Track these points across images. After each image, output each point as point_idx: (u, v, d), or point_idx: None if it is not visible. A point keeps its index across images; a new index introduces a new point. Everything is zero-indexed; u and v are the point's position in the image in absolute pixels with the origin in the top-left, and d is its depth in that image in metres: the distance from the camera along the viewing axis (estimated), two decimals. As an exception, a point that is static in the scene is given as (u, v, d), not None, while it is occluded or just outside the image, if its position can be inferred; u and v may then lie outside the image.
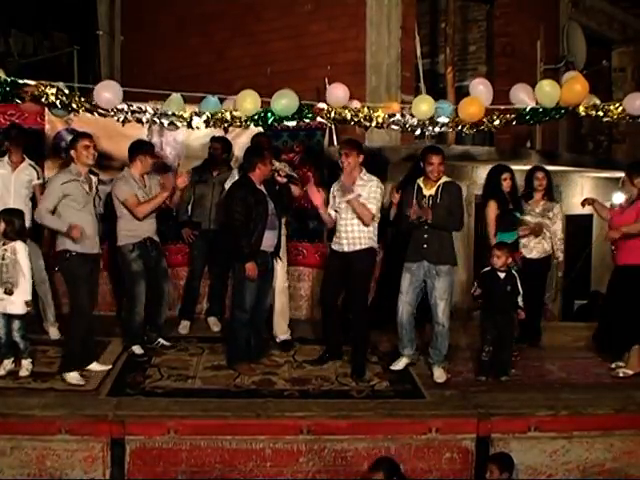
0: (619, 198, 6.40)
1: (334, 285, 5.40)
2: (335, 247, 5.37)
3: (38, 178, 5.70)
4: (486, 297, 5.21)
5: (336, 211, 5.33)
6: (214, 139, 6.22)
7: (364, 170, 5.28)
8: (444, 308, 5.10)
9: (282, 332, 5.87)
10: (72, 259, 4.96)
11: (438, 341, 5.18)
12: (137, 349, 5.55)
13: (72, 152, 5.05)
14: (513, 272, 5.19)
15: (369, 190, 5.19)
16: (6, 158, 5.64)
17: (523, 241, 5.82)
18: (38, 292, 5.68)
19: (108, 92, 4.68)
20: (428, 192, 5.14)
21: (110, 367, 5.20)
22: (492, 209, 5.71)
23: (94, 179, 5.16)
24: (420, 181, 5.22)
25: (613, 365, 5.42)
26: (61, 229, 4.92)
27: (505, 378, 5.17)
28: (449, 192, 5.13)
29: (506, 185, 5.70)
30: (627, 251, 5.28)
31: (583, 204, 5.85)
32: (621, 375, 5.29)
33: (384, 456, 4.28)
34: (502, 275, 5.16)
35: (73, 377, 4.90)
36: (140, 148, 5.53)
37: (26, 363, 4.99)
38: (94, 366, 5.15)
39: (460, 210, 5.26)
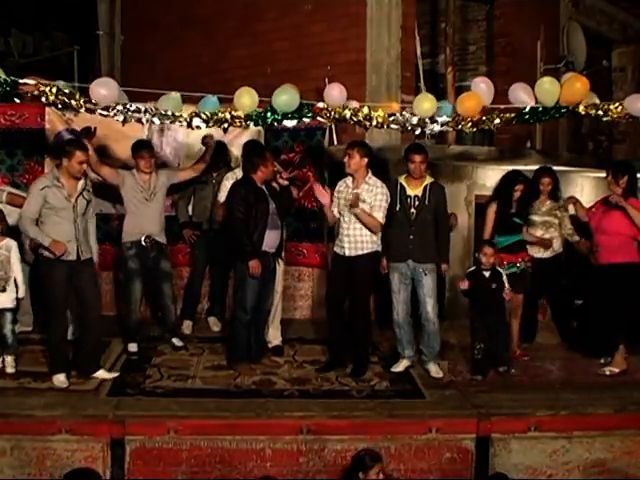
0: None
1: (339, 288, 5.32)
2: (338, 250, 5.29)
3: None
4: (473, 296, 5.24)
5: (339, 213, 5.26)
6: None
7: (370, 173, 5.19)
8: (433, 305, 5.14)
9: (274, 337, 5.76)
10: (47, 263, 4.83)
11: (430, 338, 5.20)
12: (131, 347, 5.58)
13: (65, 160, 4.81)
14: (498, 269, 5.21)
15: (374, 197, 5.10)
16: None
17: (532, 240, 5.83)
18: None
19: (104, 89, 4.58)
20: (413, 192, 5.14)
21: (117, 374, 5.06)
22: (491, 211, 5.68)
23: (81, 182, 4.88)
24: (402, 180, 5.20)
25: (602, 361, 5.42)
26: (43, 242, 4.76)
27: (503, 368, 5.19)
28: (437, 194, 5.15)
29: (517, 195, 5.59)
30: (612, 250, 5.28)
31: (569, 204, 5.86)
32: (607, 373, 5.29)
33: (365, 449, 4.14)
34: (487, 274, 5.19)
35: (57, 379, 4.83)
36: (135, 149, 5.56)
37: (10, 360, 5.00)
38: (101, 373, 5.01)
39: (446, 213, 5.33)
